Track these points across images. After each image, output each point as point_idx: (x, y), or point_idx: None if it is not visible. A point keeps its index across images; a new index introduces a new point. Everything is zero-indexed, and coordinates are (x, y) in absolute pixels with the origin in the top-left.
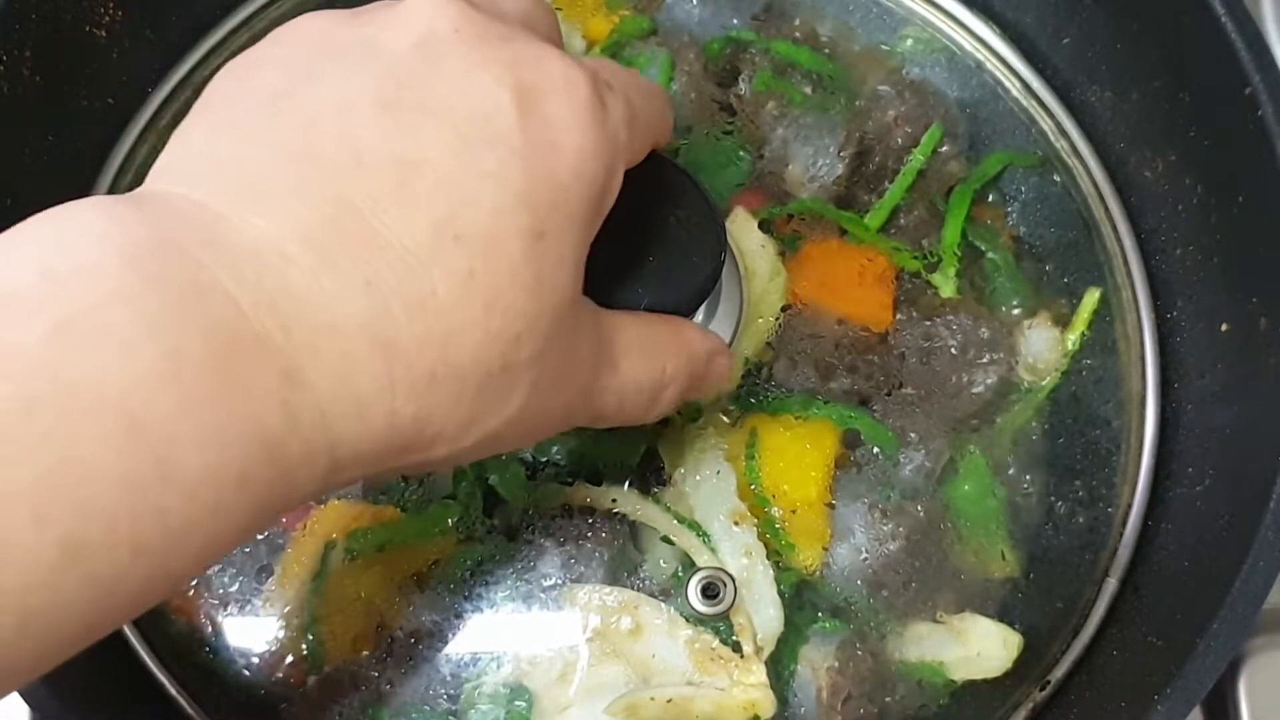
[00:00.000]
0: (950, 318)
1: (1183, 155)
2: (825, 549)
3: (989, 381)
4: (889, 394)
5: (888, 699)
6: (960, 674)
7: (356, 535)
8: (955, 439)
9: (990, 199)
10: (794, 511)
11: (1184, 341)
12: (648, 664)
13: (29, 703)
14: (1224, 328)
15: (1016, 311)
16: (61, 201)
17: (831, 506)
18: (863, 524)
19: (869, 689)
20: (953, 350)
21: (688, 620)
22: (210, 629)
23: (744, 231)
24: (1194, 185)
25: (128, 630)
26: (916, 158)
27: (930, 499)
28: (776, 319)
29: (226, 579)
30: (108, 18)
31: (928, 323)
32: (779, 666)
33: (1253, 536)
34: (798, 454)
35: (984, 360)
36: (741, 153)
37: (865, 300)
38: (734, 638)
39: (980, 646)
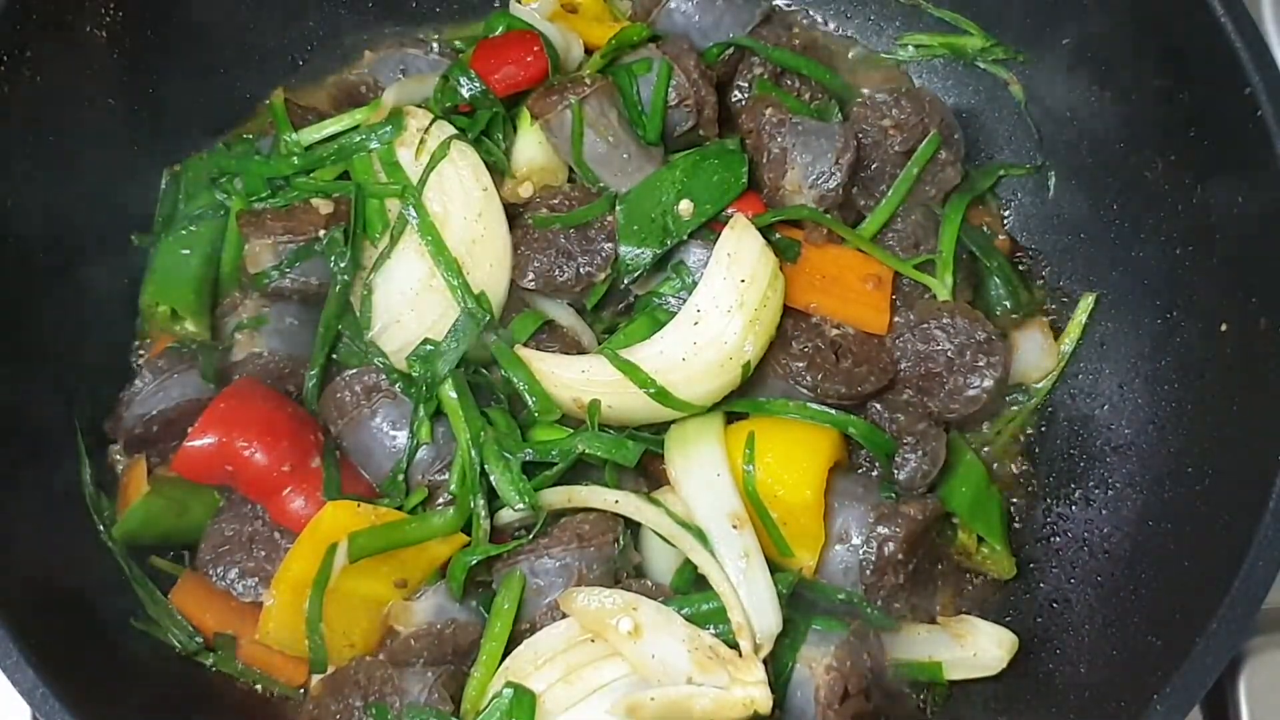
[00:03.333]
0: (947, 320)
1: (1182, 155)
2: (822, 550)
3: (986, 385)
4: (886, 396)
5: (886, 698)
6: (957, 673)
7: (359, 537)
8: (952, 441)
9: (987, 204)
10: (790, 514)
11: (1183, 341)
12: (648, 664)
13: (29, 702)
14: (1223, 327)
15: (1012, 315)
16: (58, 204)
17: (827, 509)
18: (860, 526)
19: (867, 688)
20: (949, 354)
21: (687, 620)
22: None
23: (743, 236)
24: (1194, 185)
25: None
26: (911, 170)
27: (927, 501)
28: (776, 323)
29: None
30: (108, 18)
31: (925, 326)
32: (778, 665)
33: (1252, 536)
34: (794, 458)
35: (980, 363)
36: (740, 159)
37: (863, 304)
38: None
39: (977, 647)
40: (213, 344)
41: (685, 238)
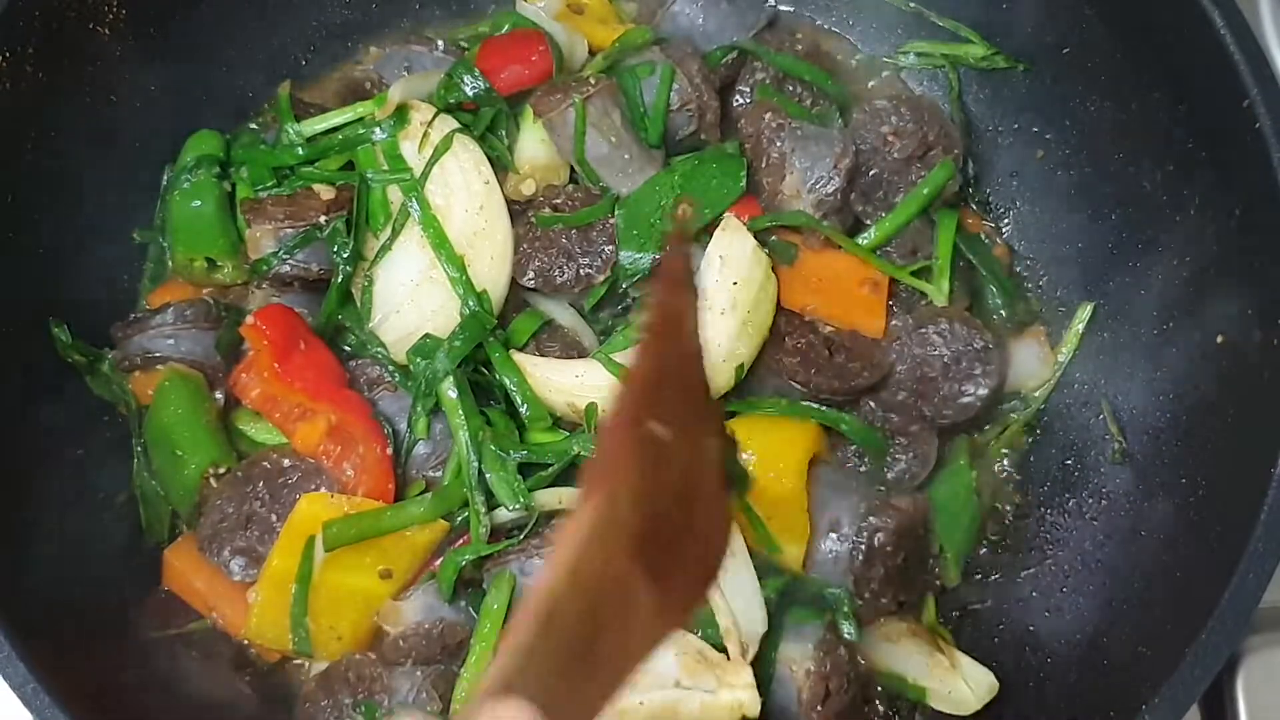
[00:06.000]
0: (944, 326)
1: (1181, 166)
2: (811, 541)
3: (980, 392)
4: (881, 395)
5: (866, 703)
6: (934, 703)
7: (332, 525)
8: (945, 446)
9: (985, 212)
10: (774, 507)
11: (1179, 353)
12: None
13: (19, 696)
14: (1219, 339)
15: (1009, 324)
16: (60, 199)
17: (818, 500)
18: (851, 516)
19: (847, 686)
20: (945, 359)
21: None
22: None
23: (735, 239)
24: (1191, 196)
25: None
26: (921, 190)
27: (917, 496)
28: (769, 325)
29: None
30: (111, 15)
31: (923, 331)
32: (762, 664)
33: (1243, 548)
34: (774, 451)
35: (976, 371)
36: (739, 163)
37: (859, 307)
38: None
39: (953, 686)
40: (237, 309)
41: None
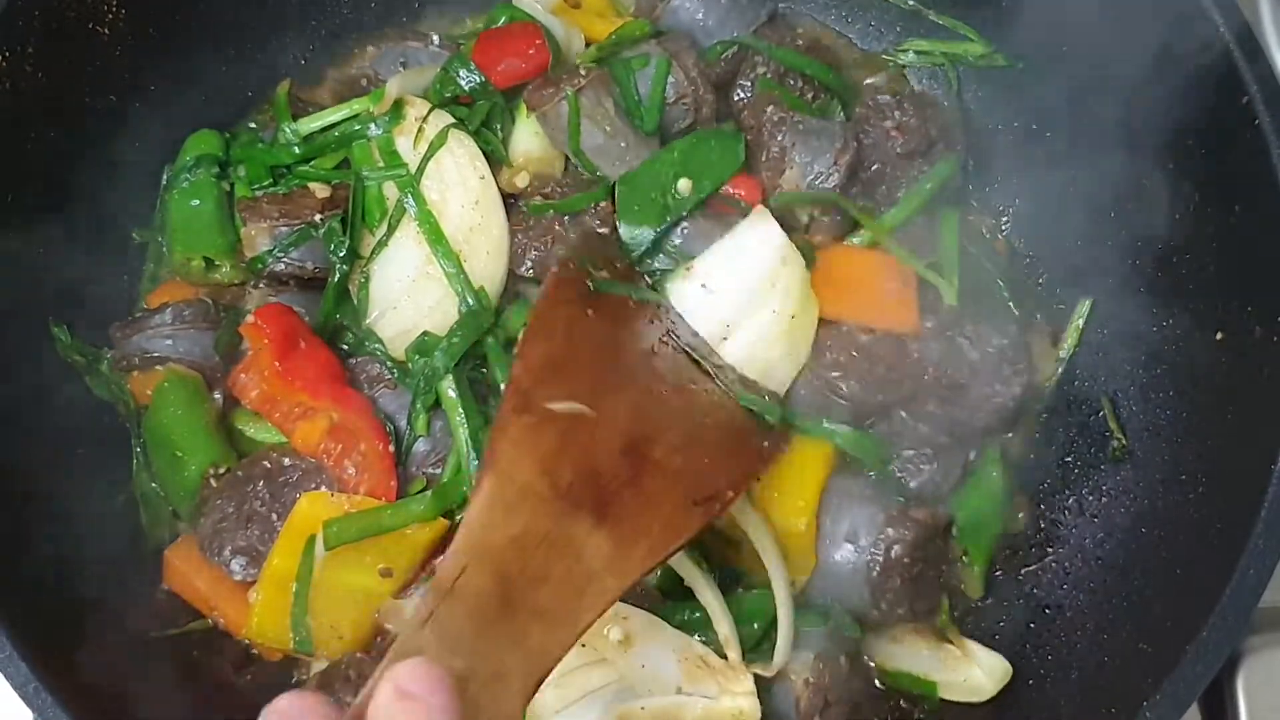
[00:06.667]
0: (970, 328)
1: (1181, 163)
2: (822, 555)
3: (1014, 391)
4: (911, 405)
5: (869, 707)
6: (947, 695)
7: (333, 524)
8: (985, 452)
9: (985, 209)
10: (783, 538)
11: (1179, 350)
12: (637, 673)
13: (21, 696)
14: (1218, 336)
15: (1018, 319)
16: (60, 198)
17: (834, 509)
18: (869, 527)
19: (847, 696)
20: (974, 361)
21: (677, 628)
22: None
23: (763, 235)
24: (1191, 193)
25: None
26: (924, 185)
27: (937, 508)
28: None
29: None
30: (110, 15)
31: (948, 334)
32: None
33: (1244, 544)
34: (788, 481)
35: (1006, 371)
36: (737, 138)
37: (892, 305)
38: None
39: (968, 674)
40: (234, 310)
41: (684, 214)
